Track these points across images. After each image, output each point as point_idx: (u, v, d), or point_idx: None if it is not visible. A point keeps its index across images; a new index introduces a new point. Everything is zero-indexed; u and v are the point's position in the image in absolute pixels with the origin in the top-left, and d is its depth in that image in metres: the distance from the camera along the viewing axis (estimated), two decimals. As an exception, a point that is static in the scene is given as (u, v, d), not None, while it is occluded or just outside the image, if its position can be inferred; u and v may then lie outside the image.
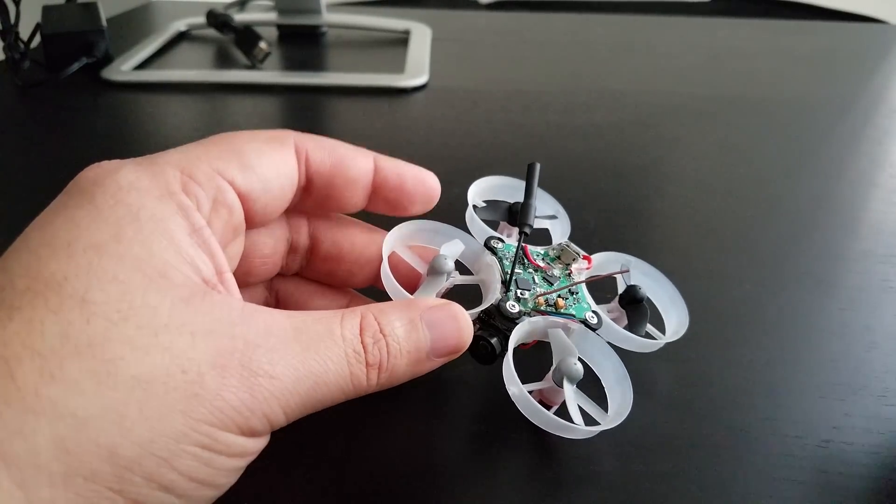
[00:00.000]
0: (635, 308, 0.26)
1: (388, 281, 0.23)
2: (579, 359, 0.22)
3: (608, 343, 0.24)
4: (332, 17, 0.68)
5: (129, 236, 0.16)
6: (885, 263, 0.34)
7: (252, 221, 0.20)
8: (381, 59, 0.63)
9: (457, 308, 0.21)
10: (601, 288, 0.27)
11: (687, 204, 0.40)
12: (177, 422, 0.15)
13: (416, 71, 0.57)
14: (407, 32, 0.67)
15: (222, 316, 0.16)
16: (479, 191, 0.28)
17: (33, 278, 0.15)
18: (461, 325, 0.20)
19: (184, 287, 0.16)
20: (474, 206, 0.27)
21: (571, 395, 0.22)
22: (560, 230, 0.29)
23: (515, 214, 0.27)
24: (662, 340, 0.25)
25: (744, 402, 0.25)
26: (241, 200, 0.19)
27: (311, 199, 0.23)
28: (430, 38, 0.66)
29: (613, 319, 0.25)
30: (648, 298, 0.26)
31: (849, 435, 0.24)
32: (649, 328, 0.26)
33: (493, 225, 0.27)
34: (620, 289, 0.26)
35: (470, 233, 0.26)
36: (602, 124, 0.49)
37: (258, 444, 0.17)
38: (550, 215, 0.29)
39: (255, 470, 0.18)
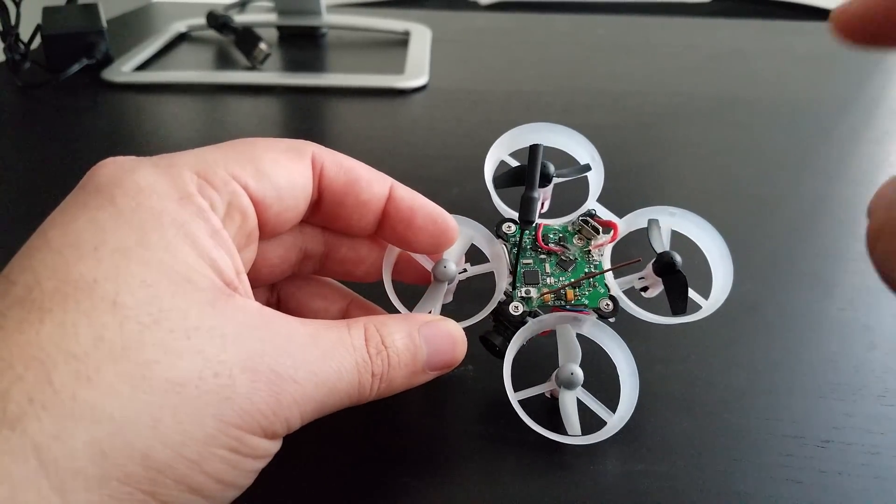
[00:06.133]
0: (673, 279, 0.23)
1: (391, 296, 0.23)
2: (592, 355, 0.22)
3: (622, 332, 0.23)
4: (332, 18, 0.68)
5: (153, 241, 0.16)
6: (886, 263, 0.33)
7: (265, 230, 0.20)
8: (381, 61, 0.63)
9: (451, 324, 0.21)
10: (630, 253, 0.24)
11: (687, 204, 0.39)
12: (208, 425, 0.15)
13: (416, 72, 0.57)
14: (407, 33, 0.67)
15: (246, 320, 0.17)
16: (507, 143, 0.26)
17: (62, 280, 0.15)
18: (455, 340, 0.21)
19: (208, 291, 0.17)
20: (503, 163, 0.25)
21: (568, 403, 0.22)
22: (595, 181, 0.27)
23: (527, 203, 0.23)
24: (702, 313, 0.23)
25: (744, 402, 0.25)
26: (254, 207, 0.19)
27: (321, 215, 0.23)
28: (430, 39, 0.66)
29: (646, 288, 0.23)
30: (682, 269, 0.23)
31: (849, 435, 0.24)
32: (692, 295, 0.24)
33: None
34: (659, 248, 0.23)
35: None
36: (602, 124, 0.49)
37: (276, 446, 0.17)
38: (585, 165, 0.27)
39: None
